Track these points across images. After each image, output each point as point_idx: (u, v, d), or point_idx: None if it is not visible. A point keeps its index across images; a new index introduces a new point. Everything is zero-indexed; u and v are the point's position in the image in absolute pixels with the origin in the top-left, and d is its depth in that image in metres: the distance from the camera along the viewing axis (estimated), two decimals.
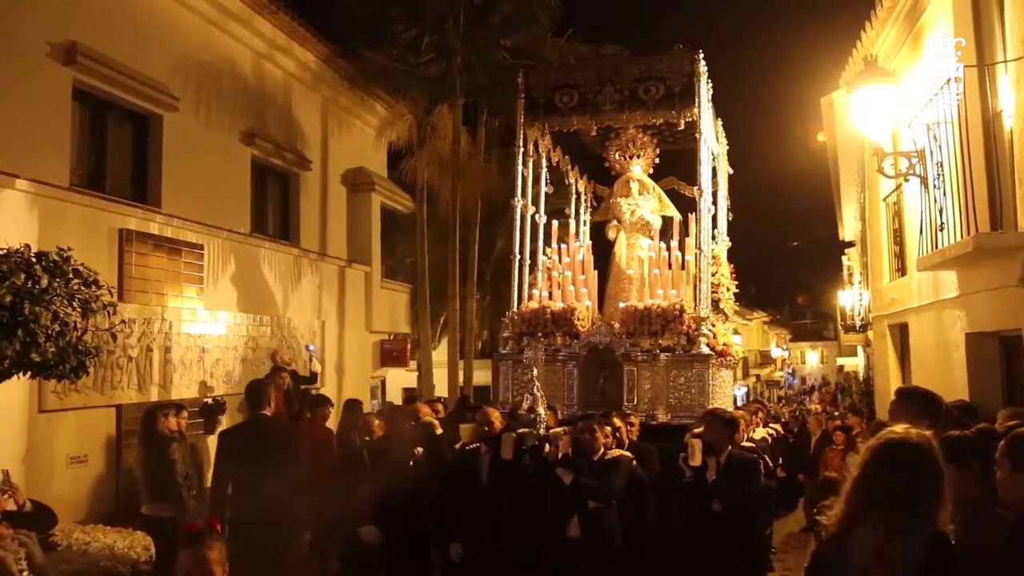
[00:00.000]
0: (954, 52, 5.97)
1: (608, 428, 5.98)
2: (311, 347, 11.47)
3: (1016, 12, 5.97)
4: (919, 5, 8.07)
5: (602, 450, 5.66)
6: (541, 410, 6.49)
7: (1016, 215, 5.95)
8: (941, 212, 6.47)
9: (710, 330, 7.97)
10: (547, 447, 5.89)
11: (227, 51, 10.66)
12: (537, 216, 9.24)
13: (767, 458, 6.64)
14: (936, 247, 6.67)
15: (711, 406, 7.07)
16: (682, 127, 8.33)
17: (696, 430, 5.82)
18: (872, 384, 14.52)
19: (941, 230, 6.50)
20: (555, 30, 13.66)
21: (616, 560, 5.43)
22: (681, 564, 5.41)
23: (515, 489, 5.64)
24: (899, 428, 2.57)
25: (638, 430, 6.91)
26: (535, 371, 6.99)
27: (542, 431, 6.22)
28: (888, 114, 6.85)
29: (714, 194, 9.49)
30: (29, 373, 5.24)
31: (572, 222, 9.98)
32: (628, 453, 5.88)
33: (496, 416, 6.25)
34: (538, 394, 6.62)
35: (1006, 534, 2.61)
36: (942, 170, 6.35)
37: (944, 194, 6.38)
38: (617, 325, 7.97)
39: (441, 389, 14.29)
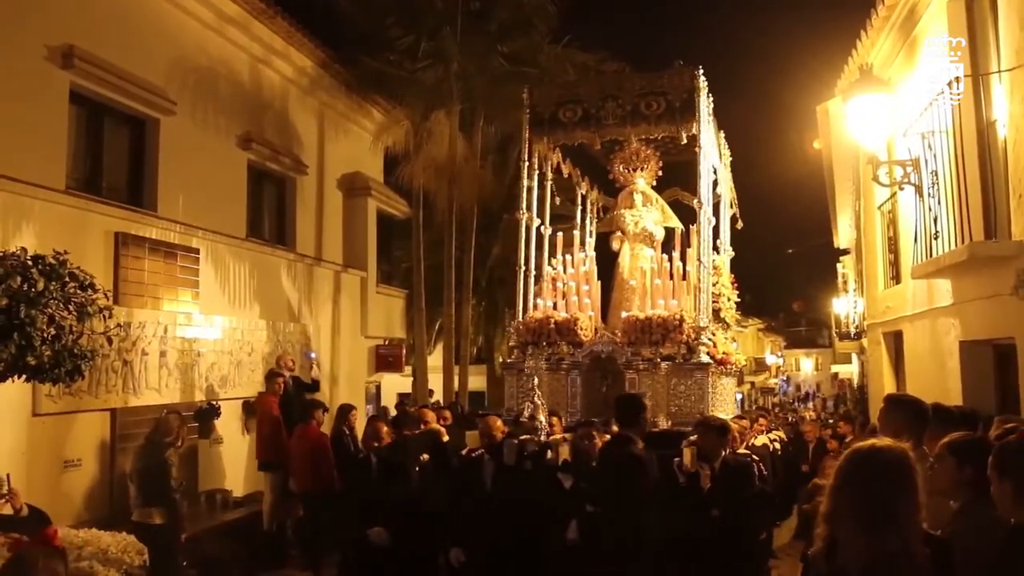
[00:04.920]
0: (953, 53, 6.01)
1: (607, 435, 6.06)
2: (312, 354, 11.44)
3: (1009, 23, 6.01)
4: (914, 15, 8.11)
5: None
6: (542, 417, 6.63)
7: (1010, 224, 5.98)
8: (936, 221, 6.51)
9: (710, 339, 8.04)
10: (548, 453, 5.99)
11: (224, 56, 10.68)
12: (542, 228, 9.32)
13: (762, 464, 6.68)
14: (931, 255, 6.70)
15: (710, 413, 7.12)
16: (684, 141, 8.42)
17: (692, 438, 5.91)
18: (867, 391, 14.52)
19: (935, 238, 6.54)
20: (552, 37, 13.73)
21: (614, 563, 5.48)
22: (680, 569, 5.46)
23: (516, 493, 5.76)
24: (872, 439, 2.68)
25: None
26: (536, 380, 7.15)
27: (542, 438, 6.35)
28: (883, 123, 6.88)
29: (717, 205, 9.53)
30: (24, 376, 5.23)
31: (577, 233, 10.08)
32: None
33: (498, 425, 6.35)
34: (539, 402, 6.78)
35: (1001, 542, 2.60)
36: (937, 179, 6.39)
37: (939, 203, 6.42)
38: (619, 334, 8.03)
39: (436, 394, 14.29)
